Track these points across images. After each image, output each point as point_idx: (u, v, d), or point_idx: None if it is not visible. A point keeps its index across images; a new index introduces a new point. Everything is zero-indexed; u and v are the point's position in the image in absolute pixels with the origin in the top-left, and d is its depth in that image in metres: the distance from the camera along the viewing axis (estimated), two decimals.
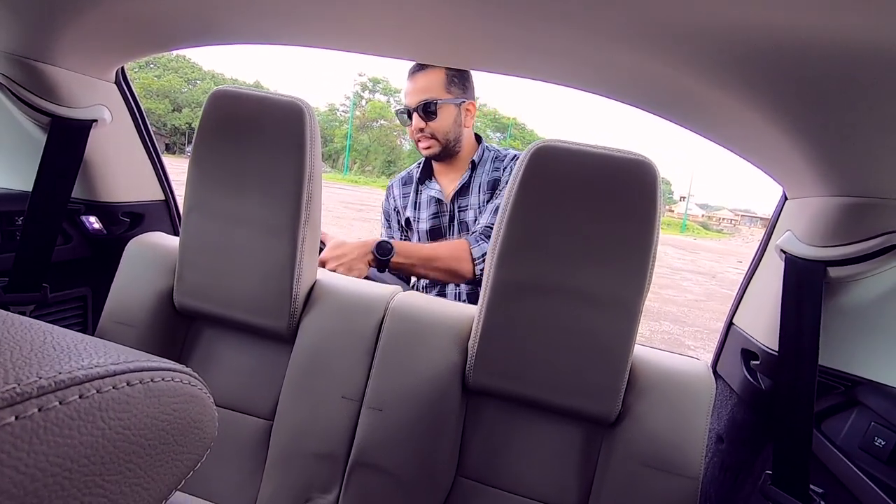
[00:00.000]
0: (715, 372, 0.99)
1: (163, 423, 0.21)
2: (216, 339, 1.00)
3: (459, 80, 1.35)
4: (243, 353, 0.98)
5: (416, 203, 1.50)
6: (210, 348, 1.01)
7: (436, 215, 1.46)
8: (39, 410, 0.16)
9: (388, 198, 1.57)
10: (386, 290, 0.95)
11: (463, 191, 1.43)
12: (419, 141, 1.37)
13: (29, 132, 0.96)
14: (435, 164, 1.48)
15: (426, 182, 1.49)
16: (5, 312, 0.21)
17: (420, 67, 1.31)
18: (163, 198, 1.26)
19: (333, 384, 0.89)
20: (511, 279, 0.78)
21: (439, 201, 1.46)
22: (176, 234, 1.31)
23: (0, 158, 1.06)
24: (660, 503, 0.76)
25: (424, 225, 1.47)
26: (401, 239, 1.56)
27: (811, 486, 0.68)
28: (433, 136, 1.35)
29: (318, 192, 0.93)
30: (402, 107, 1.35)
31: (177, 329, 1.01)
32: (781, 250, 0.72)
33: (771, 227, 0.83)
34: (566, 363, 0.79)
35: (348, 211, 11.63)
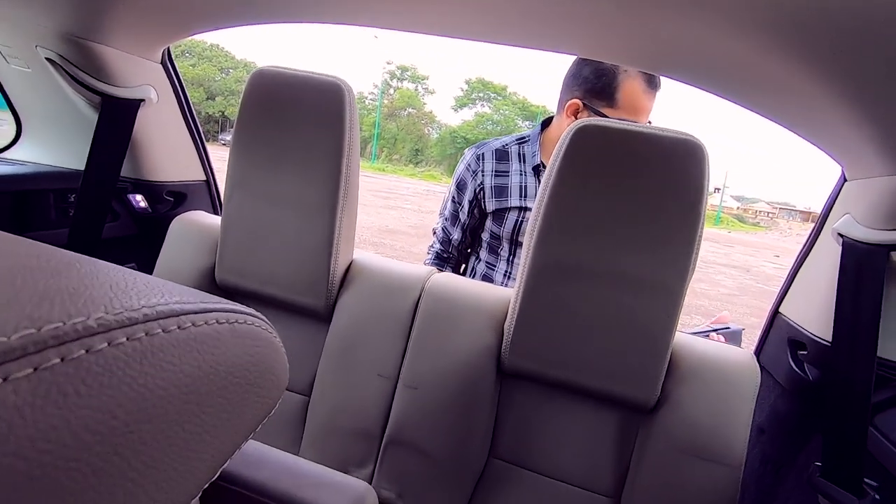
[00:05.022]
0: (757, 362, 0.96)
1: (246, 363, 0.21)
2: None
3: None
4: (281, 331, 1.00)
5: (521, 187, 1.25)
6: None
7: None
8: (146, 335, 0.17)
9: (471, 172, 1.28)
10: (422, 271, 0.95)
11: None
12: None
13: (81, 111, 1.00)
14: (543, 156, 1.27)
15: (542, 171, 1.24)
16: (96, 259, 0.22)
17: (656, 85, 1.12)
18: (204, 178, 1.29)
19: (369, 362, 0.91)
20: (550, 260, 0.77)
21: None
22: (216, 213, 1.35)
23: (55, 138, 1.10)
24: (698, 490, 0.74)
25: (529, 216, 1.24)
26: (461, 237, 1.34)
27: (865, 479, 0.65)
28: None
29: (356, 171, 0.94)
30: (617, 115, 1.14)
31: None
32: (839, 234, 0.69)
33: (826, 210, 0.79)
34: (605, 347, 0.77)
35: (376, 199, 11.70)
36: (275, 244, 0.94)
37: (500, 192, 1.25)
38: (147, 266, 1.26)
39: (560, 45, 0.85)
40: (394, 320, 0.91)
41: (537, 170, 1.24)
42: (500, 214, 1.25)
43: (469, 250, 1.41)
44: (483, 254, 1.33)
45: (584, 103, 1.15)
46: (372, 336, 0.91)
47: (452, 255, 1.37)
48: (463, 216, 1.31)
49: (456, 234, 1.33)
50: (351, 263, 0.99)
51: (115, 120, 0.96)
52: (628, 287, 0.75)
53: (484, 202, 1.26)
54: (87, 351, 0.15)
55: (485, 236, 1.30)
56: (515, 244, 1.26)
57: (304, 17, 0.92)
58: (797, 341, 0.83)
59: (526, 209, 1.23)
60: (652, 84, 1.12)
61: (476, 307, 0.88)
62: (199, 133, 1.21)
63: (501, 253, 1.29)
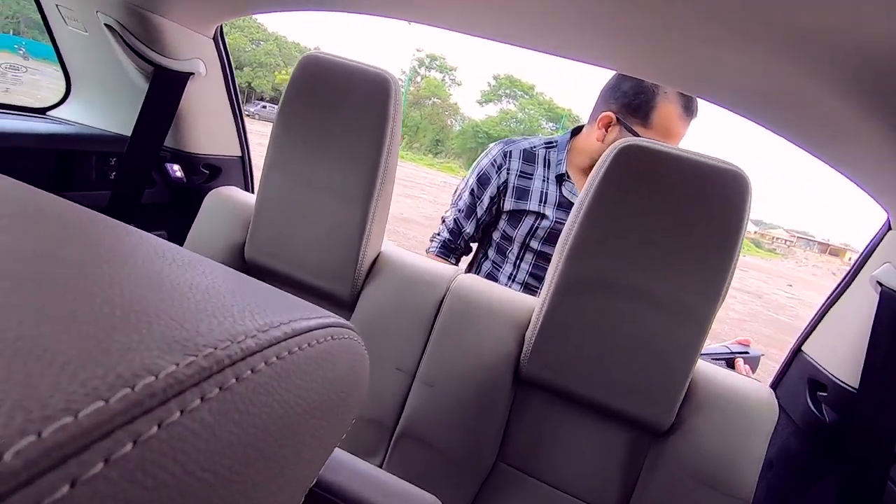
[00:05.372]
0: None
1: (350, 375, 0.22)
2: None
3: None
4: None
5: (542, 193, 1.23)
6: None
7: (563, 222, 1.20)
8: (289, 353, 0.17)
9: (497, 167, 1.25)
10: (448, 270, 0.96)
11: None
12: None
13: (131, 79, 1.01)
14: (575, 173, 1.25)
15: (566, 180, 1.24)
16: (239, 274, 0.22)
17: (692, 111, 1.11)
18: (239, 154, 1.31)
19: (389, 354, 0.92)
20: (580, 275, 0.78)
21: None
22: (247, 189, 1.36)
23: (102, 101, 1.12)
24: None
25: (546, 223, 1.22)
26: (473, 232, 1.31)
27: None
28: None
29: (394, 164, 0.95)
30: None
31: None
32: (878, 282, 0.69)
33: (866, 255, 0.79)
34: (625, 366, 0.78)
35: (395, 187, 11.73)
36: (307, 228, 0.95)
37: (522, 193, 1.23)
38: (177, 234, 1.29)
39: (602, 59, 0.85)
40: (417, 315, 0.92)
41: (560, 179, 1.22)
42: (516, 216, 1.23)
43: (477, 246, 1.39)
44: (491, 252, 1.31)
45: (617, 118, 1.14)
46: (393, 329, 0.92)
47: (460, 247, 1.34)
48: (480, 210, 1.28)
49: (469, 228, 1.30)
50: (379, 255, 1.00)
51: (165, 90, 0.98)
52: (655, 309, 0.75)
53: (503, 200, 1.24)
54: (252, 371, 0.15)
55: (496, 235, 1.28)
56: (526, 248, 1.24)
57: (346, 6, 0.92)
58: (817, 381, 0.83)
59: (543, 216, 1.21)
60: (688, 110, 1.10)
61: (500, 312, 0.89)
62: (239, 110, 1.22)
63: (509, 255, 1.27)
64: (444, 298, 0.91)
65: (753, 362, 1.19)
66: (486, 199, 1.26)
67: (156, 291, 0.17)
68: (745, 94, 0.76)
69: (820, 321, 0.87)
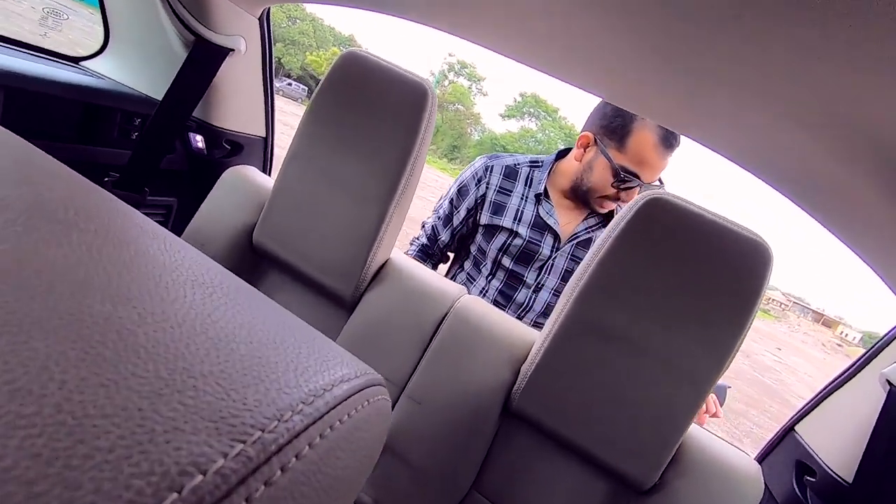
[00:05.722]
0: None
1: (376, 441, 0.21)
2: (279, 287, 1.03)
3: None
4: (302, 308, 1.01)
5: (518, 211, 1.23)
6: (271, 293, 1.04)
7: (537, 242, 1.22)
8: (297, 458, 0.16)
9: (476, 180, 1.26)
10: (454, 288, 0.95)
11: (583, 242, 1.23)
12: (609, 203, 1.18)
13: (171, 44, 1.01)
14: (555, 194, 1.25)
15: (544, 200, 1.23)
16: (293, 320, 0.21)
17: (671, 144, 1.09)
18: (263, 135, 1.30)
19: (381, 363, 0.90)
20: (586, 319, 0.77)
21: (552, 231, 1.22)
22: (265, 171, 1.36)
23: (138, 61, 1.11)
24: None
25: (518, 241, 1.21)
26: (448, 241, 1.31)
27: None
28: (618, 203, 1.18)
29: (418, 174, 0.94)
30: (627, 170, 1.11)
31: (246, 264, 1.04)
32: (888, 381, 0.68)
33: (877, 349, 0.78)
34: (617, 418, 0.77)
35: None
36: (320, 222, 0.94)
37: (498, 209, 1.23)
38: (186, 204, 1.27)
39: (587, 84, 0.85)
40: (415, 329, 0.91)
41: (539, 198, 1.22)
42: (490, 231, 1.23)
43: (453, 255, 1.39)
44: (467, 264, 1.31)
45: (595, 138, 1.14)
46: (389, 339, 0.91)
47: (436, 254, 1.35)
48: (457, 220, 1.28)
49: (444, 236, 1.31)
50: (388, 261, 0.99)
51: (202, 62, 0.97)
52: (658, 367, 0.74)
53: (479, 214, 1.25)
54: (296, 457, 0.15)
55: (473, 248, 1.28)
56: (498, 265, 1.24)
57: (392, 9, 0.92)
58: (807, 465, 0.82)
59: (516, 234, 1.21)
60: (667, 142, 1.08)
61: (500, 339, 0.88)
62: (271, 93, 1.22)
63: (483, 270, 1.27)
64: (445, 316, 0.90)
65: (721, 394, 1.19)
66: (462, 211, 1.27)
67: (200, 338, 0.16)
68: (793, 180, 0.76)
69: (818, 405, 0.86)
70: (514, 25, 0.77)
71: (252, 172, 1.10)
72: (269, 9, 1.04)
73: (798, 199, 0.82)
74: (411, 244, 1.38)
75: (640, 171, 1.10)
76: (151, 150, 0.99)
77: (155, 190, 1.18)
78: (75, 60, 1.11)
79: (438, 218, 1.32)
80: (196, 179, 1.27)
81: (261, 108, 1.24)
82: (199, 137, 1.21)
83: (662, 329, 0.73)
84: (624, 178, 1.10)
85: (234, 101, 1.17)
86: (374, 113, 0.90)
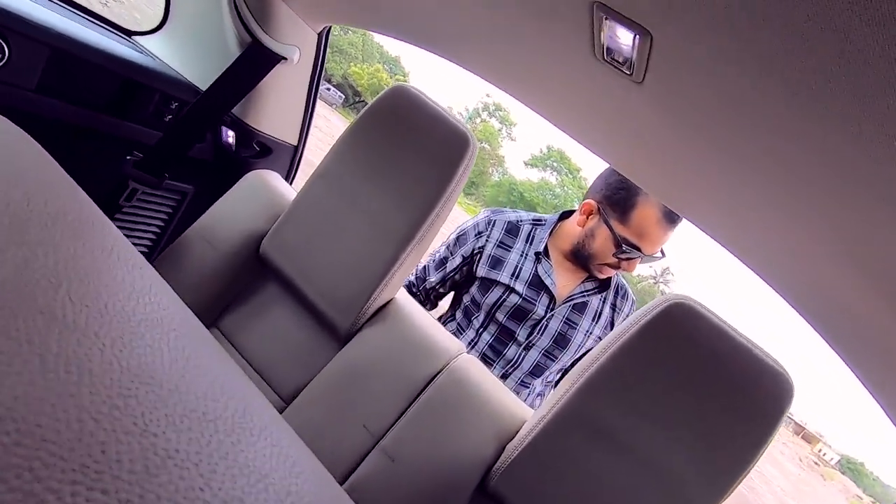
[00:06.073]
0: None
1: None
2: (277, 300, 1.00)
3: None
4: (294, 328, 0.97)
5: (516, 267, 1.22)
6: (267, 305, 1.00)
7: (532, 301, 1.21)
8: None
9: (476, 232, 1.26)
10: (453, 345, 0.92)
11: (579, 306, 1.23)
12: (609, 269, 1.18)
13: (226, 40, 1.00)
14: (555, 254, 1.25)
15: (543, 259, 1.22)
16: None
17: (673, 220, 1.09)
18: (295, 144, 1.29)
19: (361, 407, 0.86)
20: (586, 412, 0.72)
21: (548, 291, 1.21)
22: (288, 179, 1.34)
23: (189, 47, 1.11)
24: None
25: (514, 298, 1.20)
26: (436, 283, 1.30)
27: None
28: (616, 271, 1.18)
29: (442, 221, 0.92)
30: (629, 242, 1.10)
31: (249, 271, 1.01)
32: None
33: None
34: None
35: None
36: (333, 247, 0.92)
37: (496, 263, 1.22)
38: (203, 195, 1.25)
39: (602, 151, 0.85)
40: (404, 379, 0.87)
41: (538, 256, 1.22)
42: (486, 284, 1.22)
43: (441, 302, 1.38)
44: (458, 314, 1.29)
45: (598, 208, 1.14)
46: (376, 383, 0.87)
47: (419, 295, 1.34)
48: (450, 266, 1.27)
49: (433, 278, 1.30)
50: (392, 301, 0.96)
51: (253, 64, 0.96)
52: (652, 480, 0.69)
53: (476, 266, 1.24)
54: None
55: (466, 299, 1.27)
56: (491, 319, 1.23)
57: (435, 48, 0.93)
58: None
59: (512, 290, 1.20)
60: (669, 217, 1.08)
61: (489, 411, 0.84)
62: (313, 106, 1.21)
63: (474, 322, 1.25)
64: (439, 373, 0.86)
65: None
66: (458, 257, 1.27)
67: None
68: (767, 254, 0.75)
69: None
70: (537, 82, 0.79)
71: (274, 179, 1.08)
72: (329, 27, 1.05)
73: (802, 308, 0.80)
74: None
75: (641, 244, 1.10)
76: (182, 138, 0.97)
77: (174, 174, 1.16)
78: (128, 34, 1.11)
79: (432, 259, 1.32)
80: (218, 172, 1.25)
81: (299, 117, 1.23)
82: (230, 133, 1.20)
83: (665, 441, 0.69)
84: (625, 250, 1.10)
85: (274, 105, 1.17)
86: (412, 150, 0.89)
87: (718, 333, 0.68)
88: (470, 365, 0.89)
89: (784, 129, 0.50)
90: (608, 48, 0.46)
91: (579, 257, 1.20)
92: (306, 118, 1.24)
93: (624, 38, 0.42)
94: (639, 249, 1.10)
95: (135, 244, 1.21)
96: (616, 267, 1.16)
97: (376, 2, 0.89)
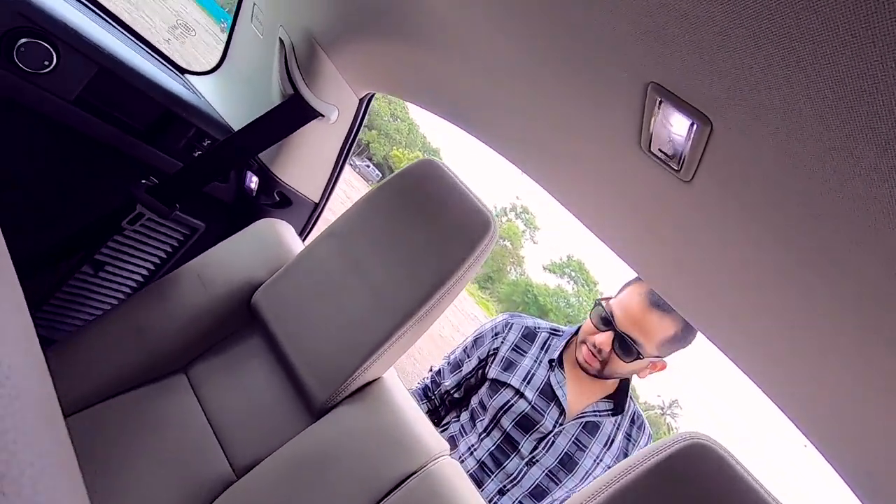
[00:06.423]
0: None
1: None
2: (257, 358, 0.91)
3: (679, 341, 1.07)
4: (268, 392, 0.88)
5: (528, 373, 1.18)
6: (245, 361, 0.92)
7: (541, 411, 1.14)
8: None
9: (494, 333, 1.25)
10: (435, 445, 0.80)
11: (590, 426, 1.15)
12: (588, 352, 1.11)
13: (270, 90, 1.02)
14: (570, 366, 1.20)
15: (557, 368, 1.18)
16: None
17: (663, 308, 1.04)
18: (316, 201, 1.27)
19: (319, 496, 0.75)
20: None
21: (558, 403, 1.15)
22: (302, 235, 1.31)
23: (234, 92, 1.14)
24: None
25: (522, 404, 1.14)
26: (451, 388, 1.27)
27: None
28: (604, 364, 1.09)
29: (447, 303, 0.85)
30: (607, 309, 1.09)
31: (236, 320, 0.95)
32: None
33: None
34: None
35: None
36: (326, 311, 0.86)
37: (509, 365, 1.20)
38: (213, 236, 1.22)
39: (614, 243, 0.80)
40: (374, 475, 0.75)
41: (552, 364, 1.19)
42: (496, 386, 1.19)
43: (453, 408, 1.31)
44: (464, 416, 1.24)
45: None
46: (340, 474, 0.76)
47: (433, 399, 1.31)
48: (466, 368, 1.25)
49: (448, 381, 1.27)
50: (378, 380, 0.87)
51: (289, 115, 0.97)
52: None
53: (489, 367, 1.22)
54: None
55: (474, 400, 1.23)
56: (496, 424, 1.17)
57: (477, 132, 0.92)
58: None
59: (521, 395, 1.16)
60: (655, 303, 1.03)
61: None
62: (341, 168, 1.21)
63: (478, 425, 1.19)
64: (414, 475, 0.75)
65: None
66: (474, 359, 1.25)
67: None
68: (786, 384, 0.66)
69: None
70: (571, 170, 0.76)
71: (285, 231, 1.04)
72: (371, 95, 1.06)
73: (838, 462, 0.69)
74: (418, 383, 1.38)
75: (629, 332, 1.05)
76: (202, 172, 0.96)
77: (188, 208, 1.14)
78: (181, 71, 1.15)
79: (448, 363, 1.31)
80: (233, 215, 1.23)
81: (325, 176, 1.23)
82: (255, 178, 1.19)
83: None
84: (624, 346, 1.05)
85: (303, 160, 1.16)
86: (430, 225, 0.85)
87: (742, 485, 0.57)
88: (450, 471, 0.77)
89: (843, 262, 0.44)
90: (657, 137, 0.41)
91: (599, 375, 1.14)
92: (332, 179, 1.23)
93: (677, 127, 0.38)
94: (634, 342, 1.04)
95: (132, 271, 1.17)
96: (592, 352, 1.10)
97: (422, 77, 0.90)
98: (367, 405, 0.84)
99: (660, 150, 0.42)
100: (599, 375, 1.13)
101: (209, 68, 1.17)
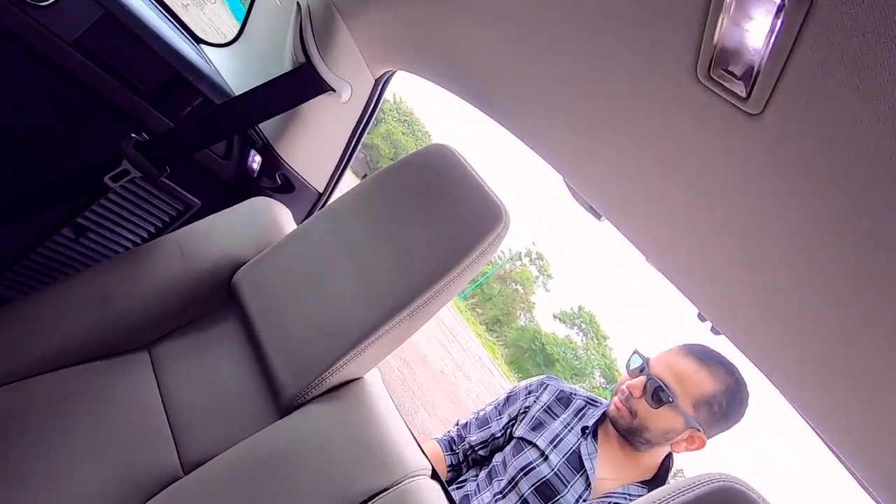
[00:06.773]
0: None
1: None
2: (229, 342, 0.82)
3: (720, 411, 0.98)
4: (234, 381, 0.78)
5: (557, 436, 1.09)
6: (216, 344, 0.83)
7: (565, 481, 1.04)
8: None
9: (528, 391, 1.20)
10: (414, 461, 0.69)
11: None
12: (620, 400, 1.05)
13: (282, 58, 0.97)
14: (604, 438, 1.10)
15: (590, 438, 1.08)
16: None
17: (701, 359, 1.00)
18: (320, 191, 1.20)
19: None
20: None
21: (585, 476, 1.04)
22: (298, 222, 1.24)
23: (245, 60, 1.10)
24: None
25: (545, 469, 1.04)
26: (476, 443, 1.19)
27: None
28: (634, 415, 1.02)
29: (444, 300, 0.76)
30: (642, 359, 1.04)
31: (213, 298, 0.86)
32: None
33: None
34: None
35: (433, 324, 11.53)
36: (309, 296, 0.77)
37: (538, 425, 1.13)
38: (208, 214, 1.15)
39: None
40: (337, 488, 0.65)
41: (585, 431, 1.10)
42: (520, 445, 1.11)
43: (475, 466, 1.21)
44: (482, 473, 1.15)
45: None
46: (300, 483, 0.65)
47: (457, 454, 1.21)
48: (496, 426, 1.18)
49: (474, 437, 1.19)
50: (358, 380, 0.77)
51: (297, 84, 0.91)
52: None
53: (517, 426, 1.15)
54: None
55: (497, 458, 1.14)
56: (513, 486, 1.06)
57: (496, 115, 0.84)
58: None
59: (546, 457, 1.07)
60: (693, 351, 1.01)
61: None
62: (350, 156, 1.14)
63: (495, 484, 1.09)
64: (384, 492, 0.63)
65: None
66: (504, 417, 1.19)
67: None
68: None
69: None
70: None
71: (281, 212, 0.97)
72: (389, 78, 1.00)
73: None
74: (448, 431, 1.31)
75: (668, 383, 0.98)
76: (197, 134, 0.89)
77: (188, 182, 1.08)
78: (197, 40, 1.10)
79: (476, 417, 1.25)
80: (231, 195, 1.16)
81: (332, 165, 1.16)
82: (258, 158, 1.13)
83: None
84: (655, 391, 0.99)
85: (310, 143, 1.10)
86: (437, 213, 0.77)
87: None
88: (427, 494, 0.65)
89: None
90: (721, 50, 0.31)
91: (614, 424, 1.08)
92: (339, 168, 1.16)
93: (756, 22, 0.27)
94: (667, 389, 0.98)
95: (116, 241, 1.09)
96: (623, 399, 1.04)
97: (451, 55, 0.83)
98: (341, 406, 0.73)
99: (724, 70, 0.32)
100: (627, 432, 1.03)
101: (226, 41, 1.13)
